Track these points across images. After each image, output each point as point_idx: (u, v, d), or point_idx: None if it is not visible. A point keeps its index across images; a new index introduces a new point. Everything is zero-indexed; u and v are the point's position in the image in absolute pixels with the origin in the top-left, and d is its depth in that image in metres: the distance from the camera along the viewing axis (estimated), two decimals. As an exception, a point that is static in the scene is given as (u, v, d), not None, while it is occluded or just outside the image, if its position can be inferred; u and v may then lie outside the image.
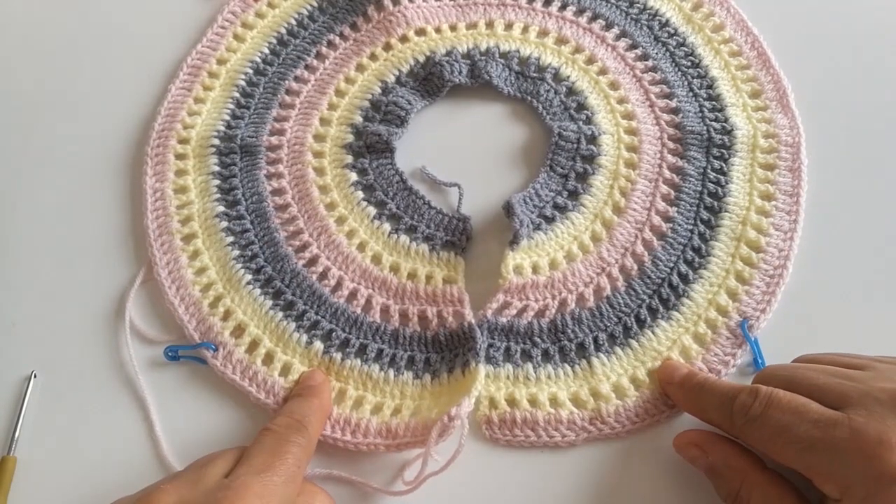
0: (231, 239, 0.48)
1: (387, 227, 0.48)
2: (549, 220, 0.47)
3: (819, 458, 0.33)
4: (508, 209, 0.46)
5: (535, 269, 0.45)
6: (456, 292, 0.45)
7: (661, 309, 0.45)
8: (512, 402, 0.42)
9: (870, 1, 0.57)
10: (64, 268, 0.48)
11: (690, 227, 0.47)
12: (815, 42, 0.55)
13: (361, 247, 0.47)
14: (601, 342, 0.43)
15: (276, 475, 0.35)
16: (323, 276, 0.46)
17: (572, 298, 0.45)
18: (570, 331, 0.44)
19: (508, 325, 0.44)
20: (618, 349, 0.43)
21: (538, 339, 0.44)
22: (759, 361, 0.43)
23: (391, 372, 0.43)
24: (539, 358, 0.43)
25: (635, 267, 0.46)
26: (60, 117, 0.54)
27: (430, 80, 0.53)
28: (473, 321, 0.43)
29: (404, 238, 0.47)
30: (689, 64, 0.54)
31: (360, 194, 0.49)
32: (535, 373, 0.43)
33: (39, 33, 0.58)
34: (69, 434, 0.43)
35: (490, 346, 0.43)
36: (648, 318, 0.44)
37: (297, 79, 0.54)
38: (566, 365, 0.43)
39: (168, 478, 0.36)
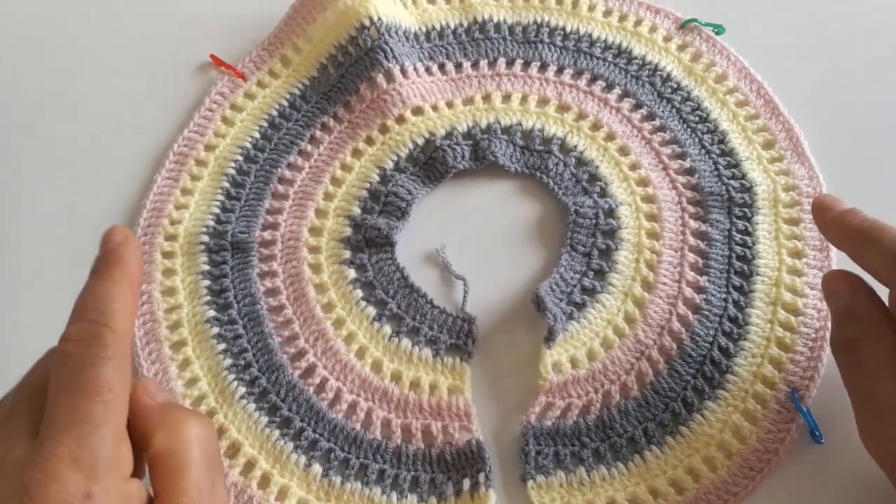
0: (223, 346, 0.45)
1: (387, 329, 0.45)
2: (580, 306, 0.45)
3: None
4: (538, 303, 0.44)
5: (574, 363, 0.43)
6: (462, 405, 0.42)
7: (706, 388, 0.42)
8: (570, 513, 0.40)
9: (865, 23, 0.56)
10: (64, 268, 0.45)
11: (724, 295, 0.45)
12: (822, 83, 0.54)
13: (360, 353, 0.44)
14: (651, 433, 0.41)
15: (91, 424, 0.26)
16: (321, 387, 0.43)
17: (616, 389, 0.43)
18: (618, 425, 0.42)
19: (554, 427, 0.41)
20: (669, 438, 0.41)
21: (587, 439, 0.41)
22: (817, 433, 0.41)
23: (394, 495, 0.40)
24: (591, 460, 0.41)
25: (674, 346, 0.44)
26: (60, 116, 0.54)
27: (431, 166, 0.50)
28: (481, 438, 0.41)
29: (406, 342, 0.44)
30: (696, 119, 0.52)
31: (359, 293, 0.46)
32: (589, 476, 0.40)
33: (40, 33, 0.58)
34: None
35: (538, 453, 0.41)
36: (695, 401, 0.42)
37: (290, 166, 0.51)
38: (619, 463, 0.41)
39: None
